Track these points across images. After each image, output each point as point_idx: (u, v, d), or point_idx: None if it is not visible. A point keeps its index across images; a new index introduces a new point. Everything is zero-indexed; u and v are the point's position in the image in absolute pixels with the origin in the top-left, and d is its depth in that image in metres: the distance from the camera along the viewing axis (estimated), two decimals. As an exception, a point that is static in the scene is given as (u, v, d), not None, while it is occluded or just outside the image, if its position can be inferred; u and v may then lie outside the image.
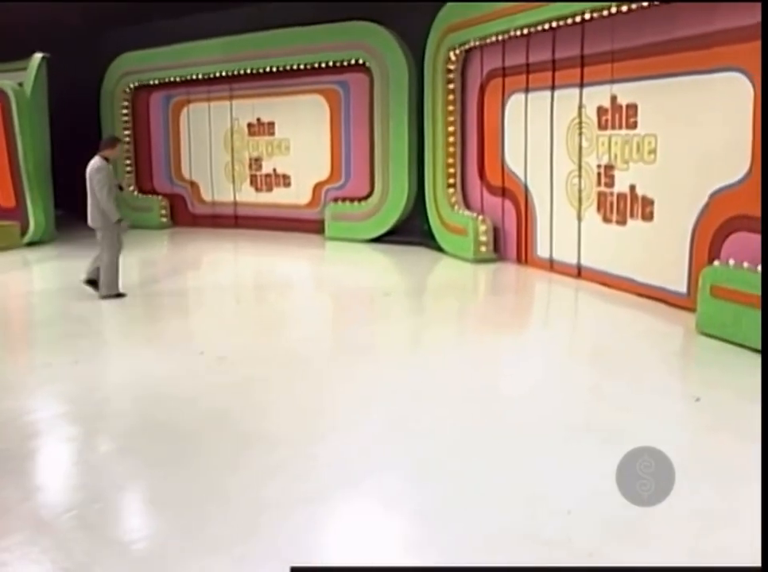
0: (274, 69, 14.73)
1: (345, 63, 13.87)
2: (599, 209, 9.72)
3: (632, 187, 9.08)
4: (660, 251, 8.64)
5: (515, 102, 11.14)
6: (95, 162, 8.94)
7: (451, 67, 12.13)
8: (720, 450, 4.67)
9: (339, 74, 14.19)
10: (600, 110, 9.53)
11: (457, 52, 11.93)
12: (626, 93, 9.09)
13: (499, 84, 11.41)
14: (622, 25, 9.02)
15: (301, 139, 15.14)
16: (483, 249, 11.60)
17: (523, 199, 11.19)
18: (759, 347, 6.50)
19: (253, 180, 16.03)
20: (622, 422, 5.11)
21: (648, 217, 8.83)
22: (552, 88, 10.36)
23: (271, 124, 15.52)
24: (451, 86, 12.23)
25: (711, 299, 7.10)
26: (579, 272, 10.17)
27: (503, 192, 11.61)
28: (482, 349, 7.09)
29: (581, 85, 9.83)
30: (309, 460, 4.52)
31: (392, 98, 13.26)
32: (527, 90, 10.85)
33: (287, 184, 15.48)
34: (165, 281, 10.81)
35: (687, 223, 8.17)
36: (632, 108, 8.99)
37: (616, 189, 9.36)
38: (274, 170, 15.66)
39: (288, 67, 14.53)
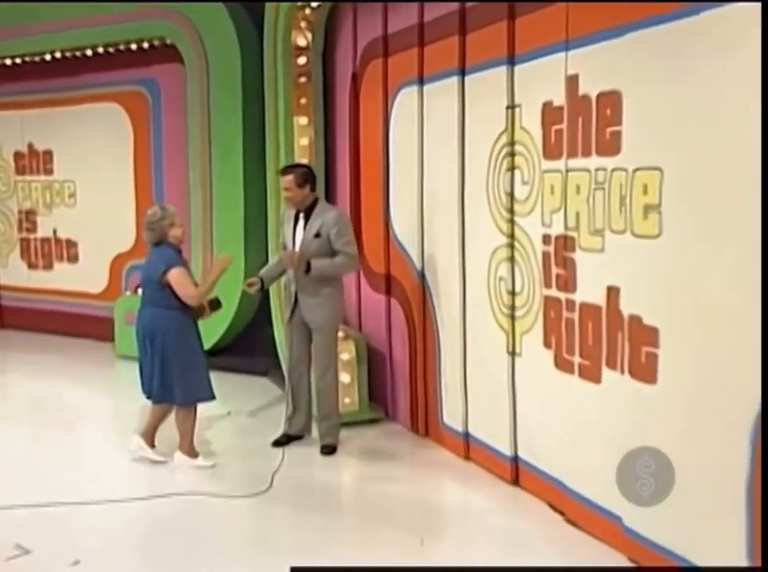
0: (46, 58, 10.82)
1: (147, 46, 9.86)
2: (546, 336, 5.27)
3: (613, 292, 4.66)
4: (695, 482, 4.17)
5: (404, 102, 6.84)
6: None
7: (302, 42, 7.91)
8: None
9: (143, 66, 10.39)
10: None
11: (308, 11, 7.73)
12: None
13: (379, 68, 7.15)
14: None
15: (91, 180, 11.23)
16: (347, 400, 7.18)
17: (419, 299, 6.77)
18: None
19: (25, 249, 12.00)
20: None
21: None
22: (462, 72, 6.04)
23: (48, 154, 11.57)
24: (302, 79, 7.99)
25: None
26: (515, 473, 5.74)
27: (388, 285, 7.22)
28: None
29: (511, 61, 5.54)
30: None
31: (215, 105, 9.14)
32: (421, 79, 6.54)
33: (73, 257, 11.41)
34: None
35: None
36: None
37: (579, 297, 4.93)
38: (55, 232, 11.53)
39: (67, 55, 10.65)
